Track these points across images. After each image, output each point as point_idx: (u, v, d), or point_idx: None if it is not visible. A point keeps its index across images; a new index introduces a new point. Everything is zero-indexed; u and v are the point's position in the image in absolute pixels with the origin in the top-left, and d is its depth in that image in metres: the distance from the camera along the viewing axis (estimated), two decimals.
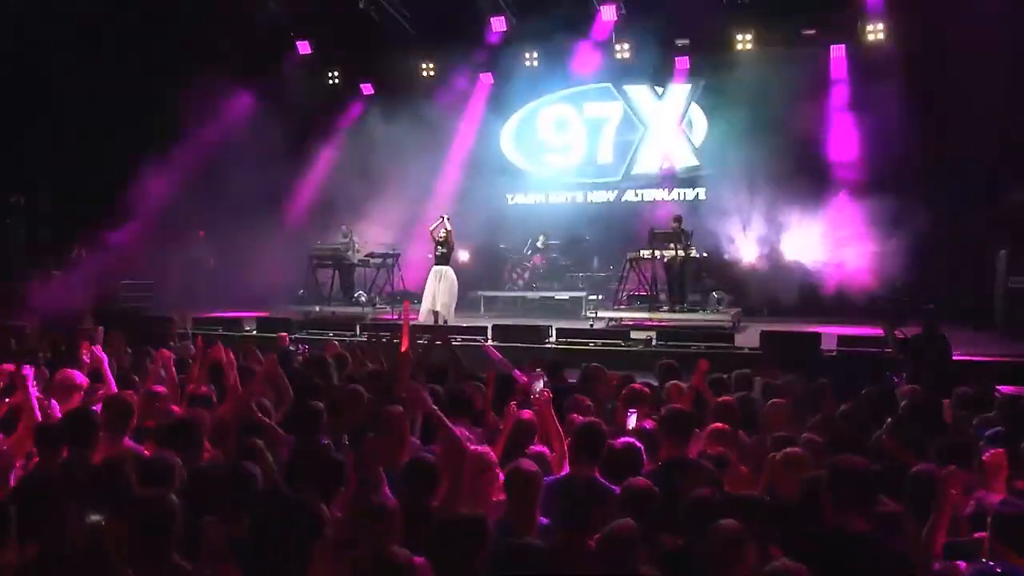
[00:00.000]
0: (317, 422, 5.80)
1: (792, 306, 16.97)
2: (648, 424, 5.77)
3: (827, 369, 9.86)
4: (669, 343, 12.20)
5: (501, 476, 4.60)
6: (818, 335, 11.39)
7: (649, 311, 14.91)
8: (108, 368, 7.07)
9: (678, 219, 15.76)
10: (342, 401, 6.44)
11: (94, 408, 5.61)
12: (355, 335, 13.82)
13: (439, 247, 16.08)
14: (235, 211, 18.76)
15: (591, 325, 14.81)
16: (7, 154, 18.30)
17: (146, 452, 5.38)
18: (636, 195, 21.13)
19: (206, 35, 18.67)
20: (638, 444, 5.10)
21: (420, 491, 4.56)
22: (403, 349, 7.23)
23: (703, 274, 16.01)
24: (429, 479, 4.63)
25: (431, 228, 16.33)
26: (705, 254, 15.94)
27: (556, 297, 18.99)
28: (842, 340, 11.32)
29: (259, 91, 20.90)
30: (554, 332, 13.24)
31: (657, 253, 15.16)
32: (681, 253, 15.02)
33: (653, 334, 12.53)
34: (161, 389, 6.68)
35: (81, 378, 6.60)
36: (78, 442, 5.00)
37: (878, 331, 11.70)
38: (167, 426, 5.52)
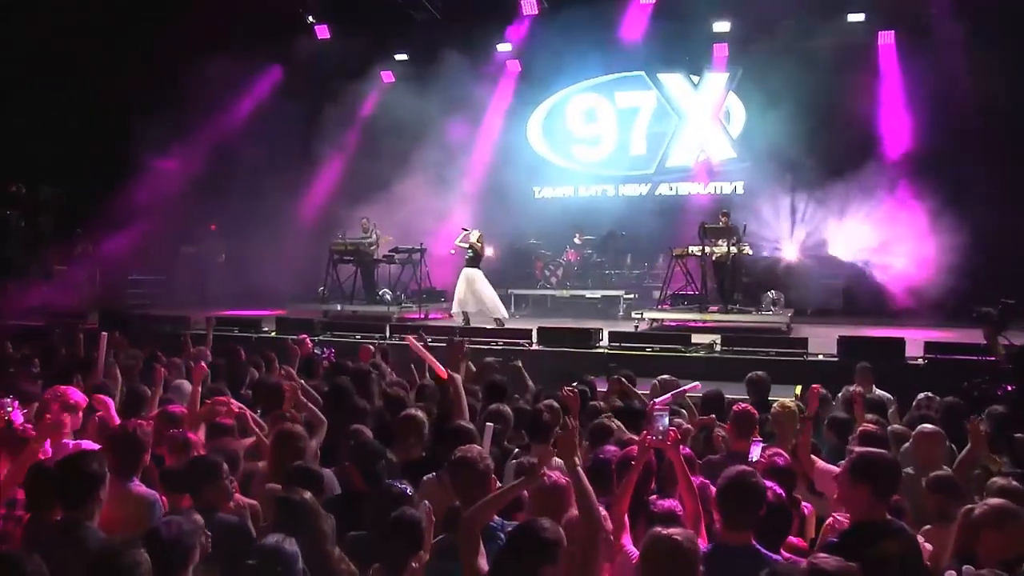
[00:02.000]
0: (374, 460, 4.72)
1: (841, 306, 15.98)
2: (780, 460, 4.70)
3: (916, 380, 8.85)
4: (735, 348, 11.13)
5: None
6: (902, 340, 10.30)
7: (699, 312, 13.84)
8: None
9: (726, 213, 14.78)
10: (396, 430, 5.37)
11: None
12: (384, 336, 12.79)
13: (468, 250, 15.35)
14: (249, 203, 17.94)
15: (636, 327, 13.76)
16: (6, 139, 17.26)
17: (162, 501, 4.37)
18: (670, 189, 20.22)
19: (220, 20, 17.67)
20: (781, 492, 4.06)
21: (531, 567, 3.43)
22: (442, 374, 6.12)
23: (743, 273, 14.95)
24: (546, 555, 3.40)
25: (456, 242, 15.61)
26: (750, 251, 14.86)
27: (587, 296, 17.99)
28: (930, 347, 10.22)
29: (275, 79, 20.22)
30: (605, 335, 12.17)
31: (707, 249, 14.06)
32: (733, 250, 13.94)
33: (717, 338, 11.44)
34: (176, 410, 5.64)
35: (77, 395, 5.51)
36: (72, 500, 3.91)
37: (963, 336, 10.81)
38: (181, 471, 4.49)
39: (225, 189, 18.22)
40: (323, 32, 19.85)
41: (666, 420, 4.28)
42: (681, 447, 4.36)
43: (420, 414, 5.39)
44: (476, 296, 15.06)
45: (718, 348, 11.28)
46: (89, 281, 17.90)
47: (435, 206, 18.30)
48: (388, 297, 16.26)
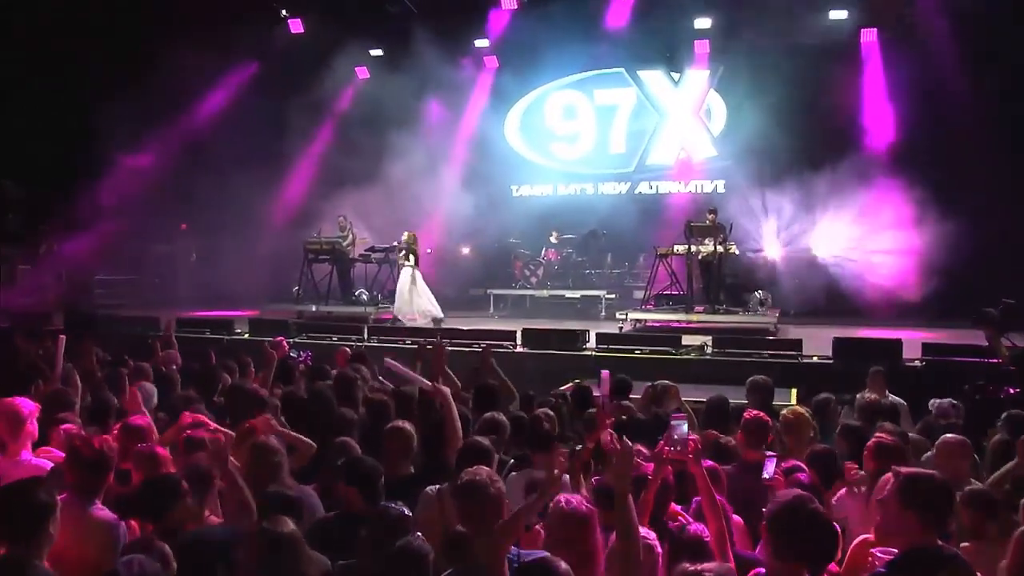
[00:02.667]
0: (374, 479, 4.27)
1: (824, 306, 15.74)
2: (804, 477, 4.34)
3: (915, 383, 8.58)
4: (727, 351, 10.78)
5: None
6: (899, 342, 10.01)
7: (684, 313, 13.52)
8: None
9: (713, 211, 14.48)
10: (383, 444, 4.95)
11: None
12: (361, 338, 12.36)
13: (403, 251, 15.39)
14: (221, 201, 17.45)
15: (620, 328, 13.41)
16: None
17: (131, 527, 3.95)
18: (650, 187, 19.92)
19: (190, 12, 17.17)
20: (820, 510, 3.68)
21: None
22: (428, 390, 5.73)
23: (728, 273, 14.64)
24: None
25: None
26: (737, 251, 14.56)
27: (567, 296, 17.66)
28: (928, 348, 9.93)
29: (247, 73, 19.80)
30: (593, 337, 11.79)
31: (693, 248, 13.75)
32: (720, 249, 13.63)
33: (708, 340, 11.09)
34: (142, 421, 5.19)
35: (29, 406, 4.99)
36: (16, 535, 3.40)
37: (957, 336, 10.58)
38: (137, 495, 4.05)
39: (196, 186, 17.72)
40: (296, 26, 19.27)
41: (684, 428, 3.85)
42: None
43: (408, 426, 4.97)
44: (414, 298, 14.94)
45: (710, 350, 10.94)
46: (54, 281, 17.33)
47: (411, 204, 17.85)
48: (365, 297, 15.84)
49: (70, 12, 16.97)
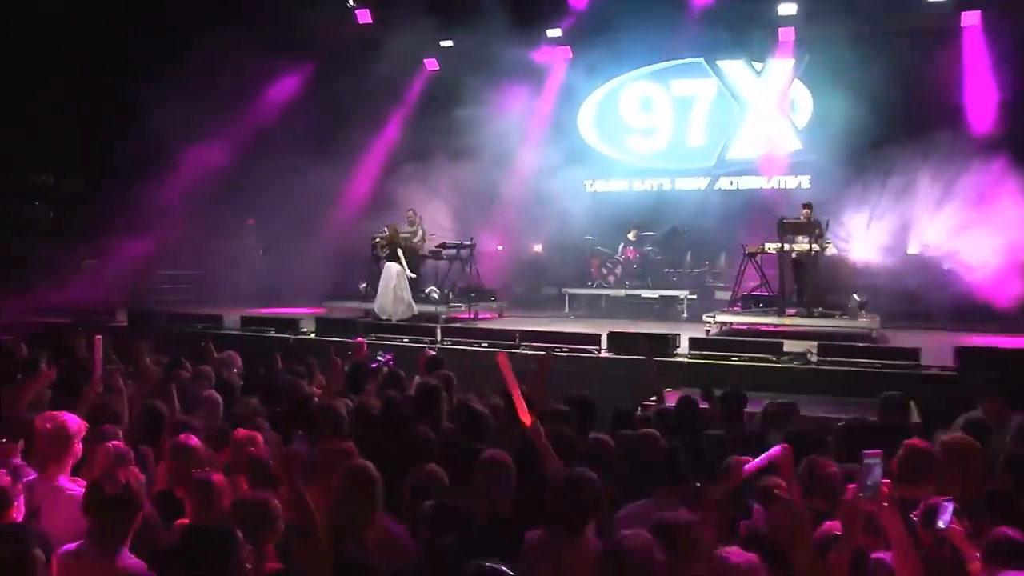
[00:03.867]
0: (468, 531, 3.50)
1: (927, 310, 14.63)
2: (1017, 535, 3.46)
3: None
4: (834, 359, 9.79)
5: None
6: None
7: (776, 316, 12.60)
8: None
9: (808, 206, 13.49)
10: (478, 477, 4.16)
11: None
12: (434, 340, 11.67)
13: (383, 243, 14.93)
14: (286, 196, 17.00)
15: (707, 331, 12.53)
16: (33, 129, 16.38)
17: None
18: (731, 183, 19.00)
19: (257, 4, 16.75)
20: None
21: None
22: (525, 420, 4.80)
23: (826, 273, 13.64)
24: None
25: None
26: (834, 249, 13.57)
27: (644, 295, 16.86)
28: None
29: (315, 66, 19.47)
30: (685, 342, 10.95)
31: (786, 247, 12.82)
32: (815, 247, 12.67)
33: (813, 347, 10.17)
34: (193, 442, 4.50)
35: (76, 424, 4.35)
36: None
37: None
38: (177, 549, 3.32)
39: (261, 180, 17.27)
40: (364, 16, 18.81)
41: (879, 471, 3.04)
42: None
43: (507, 458, 4.17)
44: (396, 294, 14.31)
45: (814, 358, 9.99)
46: (118, 277, 17.02)
47: (481, 199, 17.38)
48: (435, 296, 15.18)
49: (133, 7, 16.68)
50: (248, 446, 4.52)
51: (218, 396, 6.18)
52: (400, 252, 14.65)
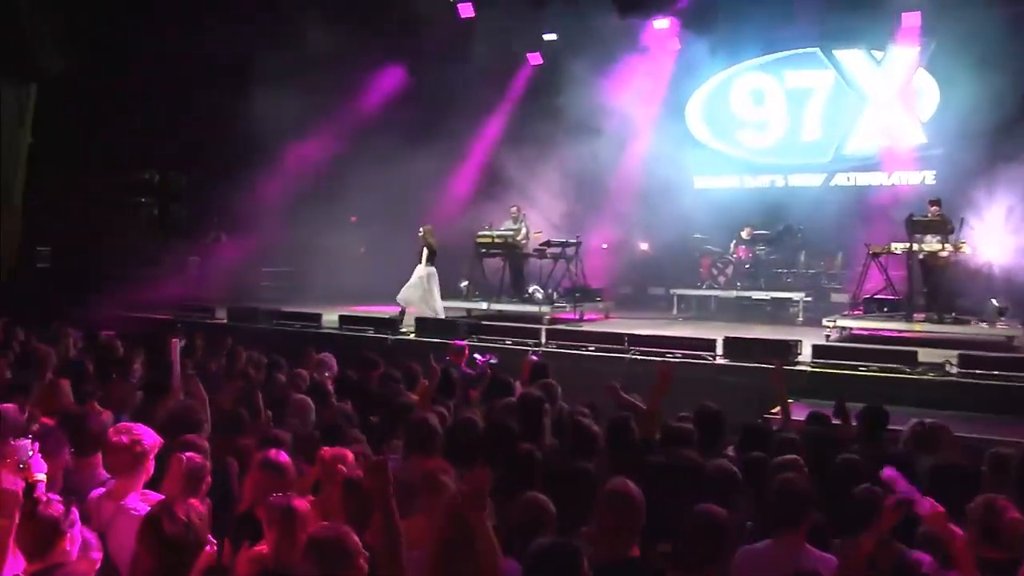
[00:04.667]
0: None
1: None
2: None
3: None
4: (978, 371, 8.85)
5: None
6: None
7: (904, 321, 11.72)
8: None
9: (936, 203, 12.55)
10: (601, 512, 3.59)
11: None
12: (538, 342, 11.19)
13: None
14: (390, 193, 16.70)
15: (826, 337, 11.73)
16: (138, 127, 16.48)
17: None
18: (848, 179, 18.11)
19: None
20: None
21: None
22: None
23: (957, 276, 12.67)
24: None
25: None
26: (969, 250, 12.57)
27: (754, 297, 16.10)
28: None
29: (417, 61, 19.19)
30: (807, 349, 10.16)
31: (915, 246, 11.94)
32: (948, 247, 11.76)
33: (952, 357, 9.23)
34: (281, 459, 4.10)
35: (151, 439, 4.01)
36: None
37: None
38: None
39: (364, 178, 17.12)
40: (467, 10, 18.53)
41: None
42: None
43: (637, 491, 3.59)
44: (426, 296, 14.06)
45: (954, 370, 9.12)
46: (221, 273, 17.09)
47: (586, 195, 16.93)
48: (539, 296, 14.72)
49: (237, 4, 16.72)
50: (338, 464, 4.12)
51: (310, 402, 5.81)
52: (426, 253, 14.41)
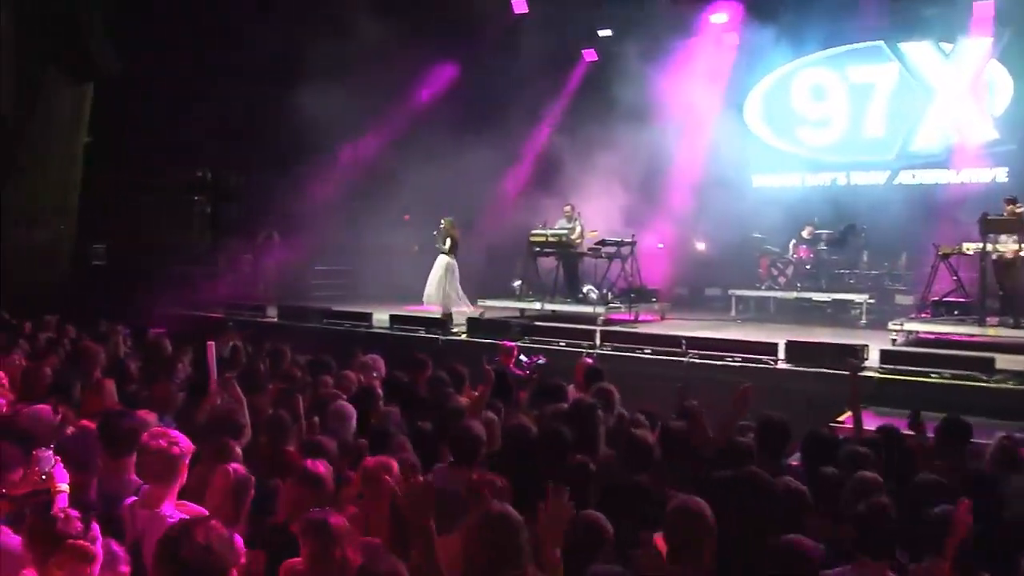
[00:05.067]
0: None
1: None
2: None
3: None
4: None
5: None
6: None
7: (976, 325, 11.20)
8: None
9: (1012, 200, 11.94)
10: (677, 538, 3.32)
11: None
12: (593, 344, 10.90)
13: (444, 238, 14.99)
14: (443, 191, 16.58)
15: (893, 340, 11.27)
16: (191, 126, 16.55)
17: None
18: (913, 177, 17.52)
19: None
20: None
21: None
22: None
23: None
24: None
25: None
26: None
27: (815, 299, 15.64)
28: None
29: (468, 57, 18.98)
30: (875, 354, 9.65)
31: (989, 247, 11.41)
32: None
33: None
34: (320, 470, 3.87)
35: (185, 445, 3.78)
36: None
37: None
38: None
39: (418, 176, 17.00)
40: (520, 6, 18.30)
41: None
42: None
43: (708, 510, 3.30)
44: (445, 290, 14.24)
45: None
46: (273, 272, 17.08)
47: (642, 194, 16.52)
48: (594, 296, 14.44)
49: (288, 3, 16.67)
50: (382, 474, 3.89)
51: (351, 409, 5.57)
52: (448, 245, 14.60)
